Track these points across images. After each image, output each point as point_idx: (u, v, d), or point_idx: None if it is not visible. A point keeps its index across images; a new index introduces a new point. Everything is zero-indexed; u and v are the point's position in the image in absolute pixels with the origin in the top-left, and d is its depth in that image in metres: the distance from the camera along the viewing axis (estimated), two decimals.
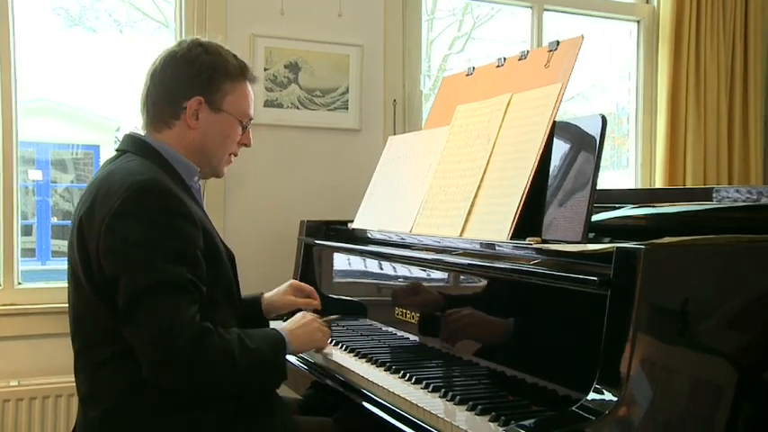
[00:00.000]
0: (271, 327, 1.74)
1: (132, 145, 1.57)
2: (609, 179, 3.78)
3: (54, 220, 5.78)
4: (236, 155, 1.68)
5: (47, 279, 2.74)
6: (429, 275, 1.77)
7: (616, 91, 3.86)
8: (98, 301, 1.42)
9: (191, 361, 1.35)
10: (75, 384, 1.55)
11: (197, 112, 1.56)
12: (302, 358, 1.92)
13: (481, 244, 1.64)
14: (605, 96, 3.98)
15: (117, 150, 1.59)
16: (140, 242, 1.36)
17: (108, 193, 1.41)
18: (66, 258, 1.55)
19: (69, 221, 1.57)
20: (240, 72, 1.62)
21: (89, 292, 1.43)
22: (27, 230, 5.26)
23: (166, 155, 1.55)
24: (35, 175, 5.18)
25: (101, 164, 1.64)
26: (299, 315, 1.75)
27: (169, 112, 1.56)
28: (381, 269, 2.00)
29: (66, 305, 1.56)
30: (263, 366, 1.49)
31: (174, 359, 1.34)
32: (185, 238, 1.41)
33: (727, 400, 1.20)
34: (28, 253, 5.22)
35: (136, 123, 1.68)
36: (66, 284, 1.55)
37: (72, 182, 5.53)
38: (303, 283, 2.01)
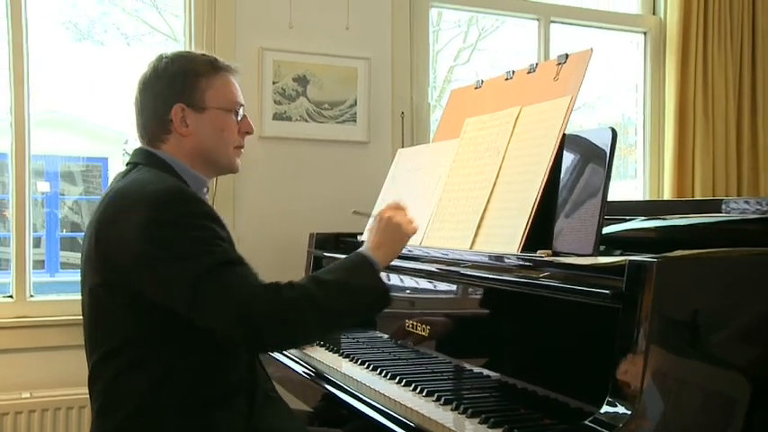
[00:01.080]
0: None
1: (144, 158, 1.58)
2: (616, 189, 3.77)
3: (63, 231, 5.79)
4: (241, 146, 1.66)
5: (56, 291, 2.75)
6: (439, 288, 1.77)
7: (622, 101, 3.86)
8: (119, 311, 1.43)
9: (275, 318, 1.36)
10: (87, 396, 1.55)
11: (184, 119, 1.56)
12: (313, 370, 1.92)
13: (491, 256, 1.64)
14: (611, 107, 3.98)
15: (128, 164, 1.60)
16: (180, 243, 1.37)
17: (132, 205, 1.42)
18: (80, 271, 1.56)
19: (77, 233, 1.58)
20: (211, 66, 1.61)
21: (109, 302, 1.44)
22: (36, 242, 5.27)
23: (176, 167, 1.57)
24: (44, 187, 5.20)
25: (109, 176, 1.66)
26: (373, 221, 1.67)
27: (159, 129, 1.57)
28: (391, 281, 2.00)
29: (78, 317, 1.56)
30: (350, 294, 1.47)
31: (260, 324, 1.35)
32: (216, 233, 1.43)
33: (739, 412, 1.20)
34: (37, 265, 5.23)
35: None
36: (80, 297, 1.56)
37: (80, 194, 5.56)
38: None
